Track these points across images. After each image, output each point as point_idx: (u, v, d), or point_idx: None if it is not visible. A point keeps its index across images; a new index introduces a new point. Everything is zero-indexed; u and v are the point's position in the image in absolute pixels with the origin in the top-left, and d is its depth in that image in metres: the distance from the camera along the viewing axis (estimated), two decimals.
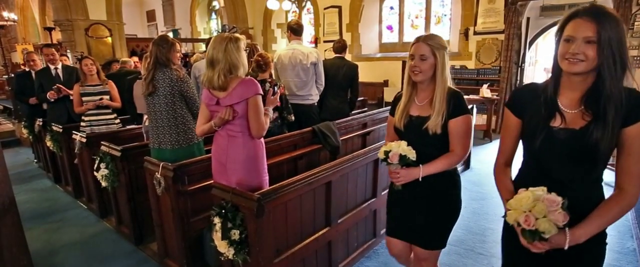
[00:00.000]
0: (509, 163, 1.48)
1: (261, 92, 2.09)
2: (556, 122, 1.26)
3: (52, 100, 4.26)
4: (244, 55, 2.10)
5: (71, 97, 4.20)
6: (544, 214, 1.13)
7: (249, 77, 2.12)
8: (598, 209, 1.22)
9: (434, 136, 1.67)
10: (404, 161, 1.67)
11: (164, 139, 2.70)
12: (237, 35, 2.12)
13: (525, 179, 1.36)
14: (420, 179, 1.70)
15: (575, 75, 1.20)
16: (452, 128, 1.67)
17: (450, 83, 1.70)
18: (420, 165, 1.69)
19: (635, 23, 5.36)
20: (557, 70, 1.25)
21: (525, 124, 1.36)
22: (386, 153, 1.70)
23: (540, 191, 1.17)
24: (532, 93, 1.35)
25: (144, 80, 2.65)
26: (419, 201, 1.80)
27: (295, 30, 3.85)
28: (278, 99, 3.21)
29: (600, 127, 1.17)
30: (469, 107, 4.63)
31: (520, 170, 1.44)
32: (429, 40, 1.67)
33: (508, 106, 1.43)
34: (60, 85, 4.25)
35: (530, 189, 1.20)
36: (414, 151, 1.67)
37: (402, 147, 1.67)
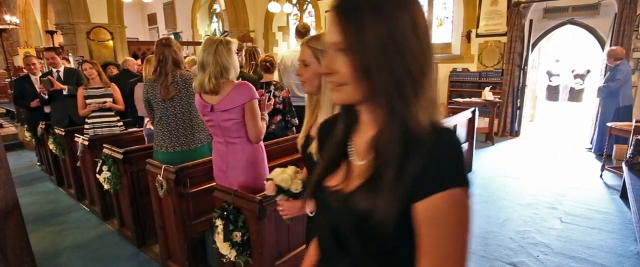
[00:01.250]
0: None
1: (257, 96, 2.07)
2: (335, 179, 0.79)
3: (45, 95, 4.26)
4: (235, 57, 2.08)
5: (64, 92, 4.25)
6: None
7: (242, 80, 2.11)
8: None
9: None
10: (282, 192, 1.37)
11: (185, 140, 2.64)
12: (228, 38, 2.11)
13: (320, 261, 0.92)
14: (309, 214, 1.33)
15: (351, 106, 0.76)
16: None
17: None
18: None
19: None
20: None
21: None
22: (267, 181, 1.41)
23: None
24: (333, 127, 0.84)
25: (161, 85, 2.53)
26: None
27: (301, 33, 3.97)
28: (281, 103, 3.24)
29: (372, 193, 0.67)
30: (471, 109, 4.64)
31: None
32: (312, 43, 1.32)
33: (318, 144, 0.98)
34: (51, 77, 4.26)
35: None
36: (300, 181, 1.37)
37: (282, 176, 1.37)
